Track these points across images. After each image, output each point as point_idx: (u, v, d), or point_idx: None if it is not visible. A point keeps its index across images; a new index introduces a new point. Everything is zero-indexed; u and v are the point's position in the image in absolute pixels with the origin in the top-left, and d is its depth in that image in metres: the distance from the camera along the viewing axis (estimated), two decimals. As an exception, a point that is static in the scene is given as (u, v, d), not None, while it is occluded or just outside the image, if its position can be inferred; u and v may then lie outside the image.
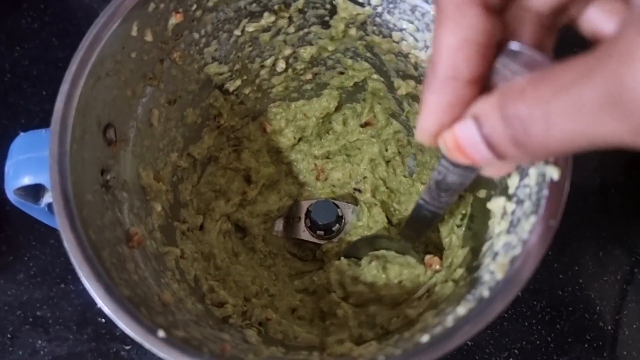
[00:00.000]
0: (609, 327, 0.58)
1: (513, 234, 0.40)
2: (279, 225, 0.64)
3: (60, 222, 0.38)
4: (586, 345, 0.58)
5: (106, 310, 0.36)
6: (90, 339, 0.61)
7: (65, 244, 0.38)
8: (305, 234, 0.63)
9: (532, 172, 0.40)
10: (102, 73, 0.43)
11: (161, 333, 0.35)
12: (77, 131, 0.41)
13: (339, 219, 0.63)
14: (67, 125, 0.40)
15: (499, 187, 0.45)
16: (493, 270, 0.38)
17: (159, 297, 0.42)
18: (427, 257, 0.53)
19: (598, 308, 0.59)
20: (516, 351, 0.58)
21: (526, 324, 0.59)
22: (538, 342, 0.58)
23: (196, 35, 0.48)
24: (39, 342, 0.61)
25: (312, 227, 0.62)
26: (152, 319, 0.37)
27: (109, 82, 0.44)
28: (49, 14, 0.77)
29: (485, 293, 0.37)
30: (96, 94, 0.43)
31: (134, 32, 0.43)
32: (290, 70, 0.56)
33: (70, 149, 0.40)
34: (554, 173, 0.37)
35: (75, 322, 0.62)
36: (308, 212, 0.63)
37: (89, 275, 0.37)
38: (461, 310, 0.38)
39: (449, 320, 0.37)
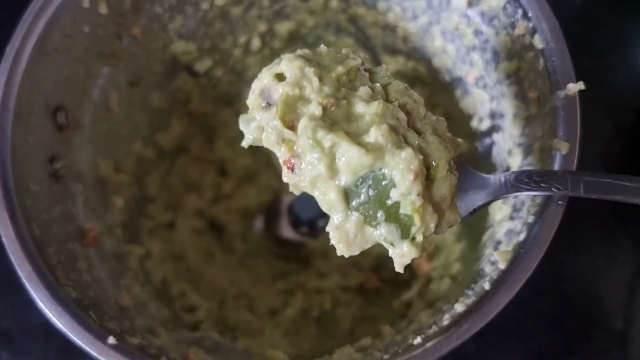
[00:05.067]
0: (618, 324, 0.55)
1: (516, 219, 0.36)
2: (259, 222, 0.59)
3: (-4, 213, 0.34)
4: (595, 343, 0.54)
5: (47, 313, 0.32)
6: (59, 351, 0.56)
7: (4, 238, 0.34)
8: (288, 232, 0.58)
9: (537, 147, 0.37)
10: (49, 49, 0.38)
11: (112, 340, 0.32)
12: (20, 113, 0.37)
13: (325, 213, 0.58)
14: (9, 106, 0.36)
15: (500, 169, 0.42)
16: (495, 260, 0.34)
17: (116, 301, 0.37)
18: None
19: (606, 304, 0.56)
20: (521, 353, 0.54)
21: (531, 324, 0.55)
22: (544, 343, 0.55)
23: (159, 9, 0.44)
24: (4, 354, 0.57)
25: (296, 224, 0.58)
26: (103, 324, 0.33)
27: (59, 59, 0.39)
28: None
29: (487, 286, 0.33)
30: (43, 72, 0.38)
31: (86, 4, 0.39)
32: (266, 49, 0.51)
33: (11, 133, 0.36)
34: (562, 147, 0.34)
35: (42, 333, 0.57)
36: (291, 207, 0.58)
37: (30, 273, 0.33)
38: (459, 307, 0.33)
39: (446, 319, 0.33)
